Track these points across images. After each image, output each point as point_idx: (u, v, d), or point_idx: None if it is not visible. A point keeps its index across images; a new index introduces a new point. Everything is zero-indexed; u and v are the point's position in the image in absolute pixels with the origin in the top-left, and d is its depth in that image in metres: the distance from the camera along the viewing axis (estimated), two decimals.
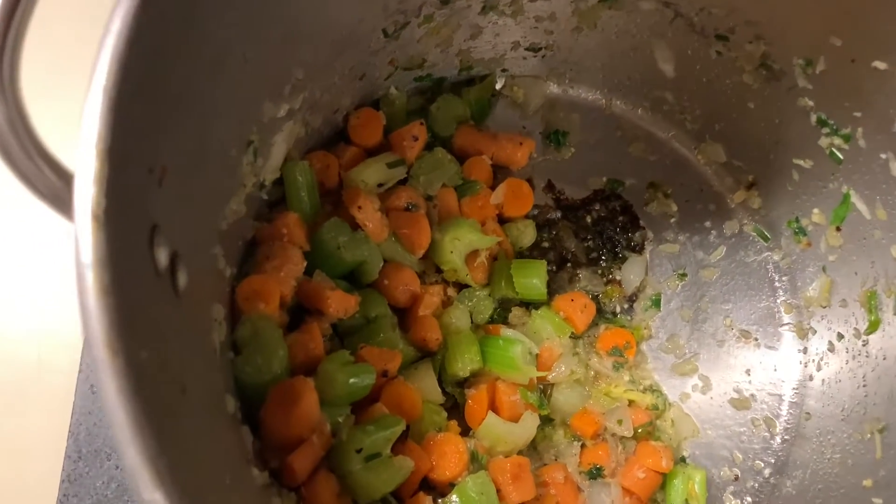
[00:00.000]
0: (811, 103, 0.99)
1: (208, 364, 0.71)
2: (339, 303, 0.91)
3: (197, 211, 0.71)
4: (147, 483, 0.45)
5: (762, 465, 1.10)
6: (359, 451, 0.84)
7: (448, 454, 0.92)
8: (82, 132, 0.49)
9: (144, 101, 0.54)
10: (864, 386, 1.00)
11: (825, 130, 0.99)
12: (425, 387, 0.97)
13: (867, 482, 0.93)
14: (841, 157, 1.00)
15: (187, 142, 0.64)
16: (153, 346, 0.52)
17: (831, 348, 1.08)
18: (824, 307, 1.10)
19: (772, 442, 1.11)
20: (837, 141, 0.99)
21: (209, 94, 0.66)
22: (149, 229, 0.57)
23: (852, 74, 0.91)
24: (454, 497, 0.90)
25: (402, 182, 1.07)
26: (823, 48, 0.92)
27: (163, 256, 0.59)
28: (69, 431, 0.98)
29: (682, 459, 1.09)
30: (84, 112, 0.50)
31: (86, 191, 0.48)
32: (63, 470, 0.97)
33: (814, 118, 1.00)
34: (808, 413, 1.09)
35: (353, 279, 0.98)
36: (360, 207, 0.97)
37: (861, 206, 1.00)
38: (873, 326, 1.01)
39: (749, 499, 1.09)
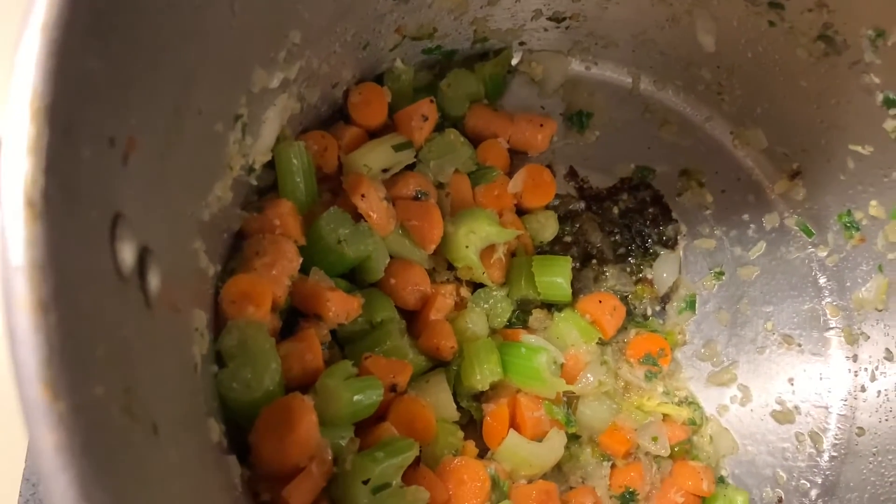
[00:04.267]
0: (878, 81, 0.87)
1: (187, 386, 0.58)
2: (340, 305, 0.80)
3: (173, 197, 0.57)
4: None
5: (808, 485, 0.99)
6: (366, 482, 0.72)
7: (467, 482, 0.80)
8: (13, 85, 0.36)
9: (101, 49, 0.40)
10: None
11: (893, 112, 0.88)
12: (439, 402, 0.84)
13: None
14: None
15: (161, 109, 0.50)
16: (114, 376, 0.39)
17: (889, 356, 0.97)
18: (879, 310, 0.99)
19: (818, 459, 1.00)
20: None
21: (188, 49, 0.52)
22: (110, 219, 0.44)
23: None
24: None
25: (410, 167, 0.94)
26: None
27: (128, 254, 0.45)
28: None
29: (721, 479, 0.98)
30: (16, 59, 0.36)
31: (16, 164, 0.35)
32: None
33: (880, 98, 0.88)
34: (860, 428, 0.98)
35: (354, 278, 0.87)
36: (363, 196, 0.85)
37: None
38: None
39: None
